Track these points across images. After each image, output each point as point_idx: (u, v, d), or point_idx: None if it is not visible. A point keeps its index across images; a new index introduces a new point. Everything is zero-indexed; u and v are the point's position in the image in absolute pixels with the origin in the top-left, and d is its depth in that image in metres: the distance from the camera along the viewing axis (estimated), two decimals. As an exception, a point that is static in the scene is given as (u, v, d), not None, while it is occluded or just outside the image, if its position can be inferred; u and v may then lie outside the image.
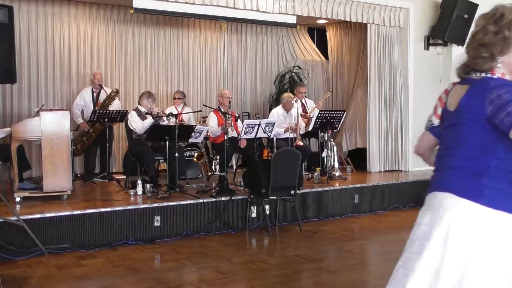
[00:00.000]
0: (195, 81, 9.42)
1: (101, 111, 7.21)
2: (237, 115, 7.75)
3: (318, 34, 10.93)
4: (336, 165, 8.00)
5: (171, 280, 4.46)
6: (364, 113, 9.03)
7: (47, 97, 8.13)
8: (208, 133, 7.53)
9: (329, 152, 7.92)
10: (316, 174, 7.48)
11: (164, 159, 6.81)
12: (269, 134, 7.09)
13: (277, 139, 7.54)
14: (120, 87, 8.36)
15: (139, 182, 6.34)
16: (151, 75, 8.99)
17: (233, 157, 7.90)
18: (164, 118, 7.07)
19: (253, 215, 6.29)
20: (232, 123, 7.55)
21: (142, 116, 6.98)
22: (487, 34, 1.99)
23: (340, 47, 10.42)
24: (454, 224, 1.95)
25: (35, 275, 4.55)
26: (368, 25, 8.52)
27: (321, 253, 5.43)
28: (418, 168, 8.50)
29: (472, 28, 2.13)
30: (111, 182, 7.29)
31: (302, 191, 6.54)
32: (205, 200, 6.06)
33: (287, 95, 8.18)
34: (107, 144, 7.38)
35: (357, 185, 7.31)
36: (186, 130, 6.80)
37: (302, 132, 8.00)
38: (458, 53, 8.94)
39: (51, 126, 5.87)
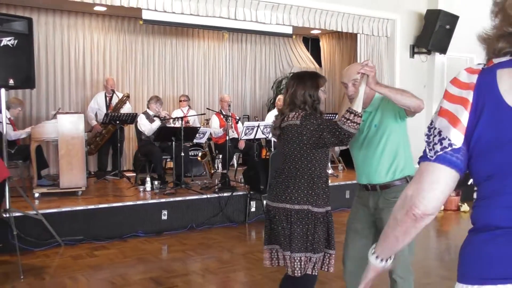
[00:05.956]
0: (199, 86, 9.43)
1: (113, 114, 7.22)
2: (237, 117, 7.74)
3: (312, 43, 10.94)
4: (329, 163, 8.00)
5: (177, 269, 4.47)
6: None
7: (63, 101, 8.14)
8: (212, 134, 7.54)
9: (322, 151, 7.91)
10: (310, 172, 7.46)
11: (171, 158, 6.81)
12: (267, 135, 7.10)
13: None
14: (130, 92, 8.37)
15: (148, 179, 6.35)
16: (159, 80, 9.00)
17: (234, 156, 7.90)
18: (171, 121, 7.08)
19: (253, 209, 6.30)
20: (233, 125, 7.56)
21: (151, 119, 6.98)
22: None
23: (332, 55, 10.42)
24: None
25: (52, 265, 4.56)
26: (358, 35, 8.51)
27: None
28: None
29: None
30: (122, 179, 7.28)
31: (297, 187, 6.52)
32: (208, 196, 6.07)
33: (280, 96, 8.24)
34: (119, 144, 7.38)
35: (348, 182, 7.31)
36: (191, 131, 6.80)
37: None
38: (440, 60, 8.95)
39: (67, 128, 5.88)
